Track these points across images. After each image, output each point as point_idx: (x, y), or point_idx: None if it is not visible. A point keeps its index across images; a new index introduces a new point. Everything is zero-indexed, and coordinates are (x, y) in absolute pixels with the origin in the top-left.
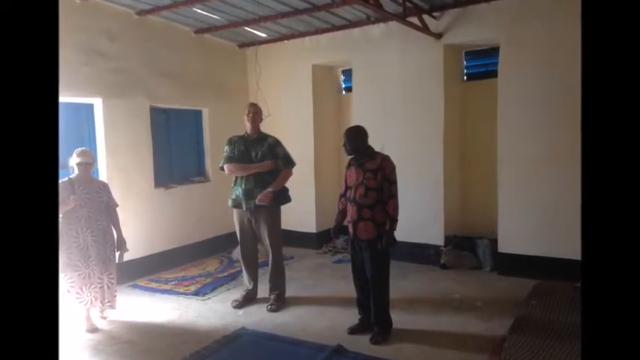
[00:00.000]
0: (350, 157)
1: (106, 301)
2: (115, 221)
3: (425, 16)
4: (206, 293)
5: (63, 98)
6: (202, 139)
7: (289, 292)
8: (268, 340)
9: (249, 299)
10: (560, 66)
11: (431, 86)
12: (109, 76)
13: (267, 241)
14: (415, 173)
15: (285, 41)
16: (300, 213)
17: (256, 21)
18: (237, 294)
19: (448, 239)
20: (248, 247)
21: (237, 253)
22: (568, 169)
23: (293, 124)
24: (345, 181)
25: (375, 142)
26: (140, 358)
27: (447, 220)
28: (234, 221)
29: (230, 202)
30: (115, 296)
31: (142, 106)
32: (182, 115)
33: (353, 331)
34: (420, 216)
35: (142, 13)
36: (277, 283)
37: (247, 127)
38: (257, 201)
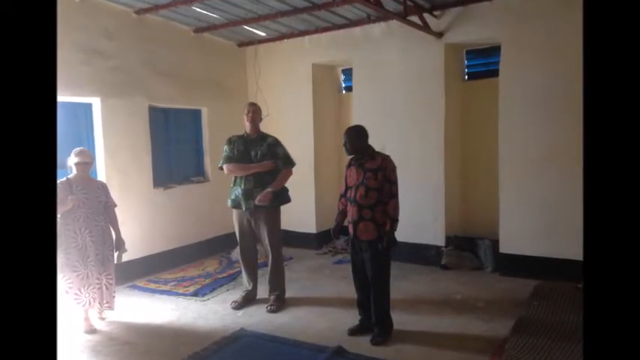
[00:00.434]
0: (350, 156)
1: (105, 301)
2: (113, 221)
3: (426, 15)
4: (205, 294)
5: (61, 98)
6: (201, 139)
7: (289, 292)
8: (268, 341)
9: (248, 300)
10: (561, 65)
11: (432, 86)
12: (108, 76)
13: (266, 242)
14: (416, 173)
15: (285, 40)
16: (300, 213)
17: (256, 20)
18: (237, 295)
19: (449, 240)
20: (247, 247)
21: (236, 253)
22: (570, 169)
23: (293, 124)
24: (345, 181)
25: (375, 141)
26: None
27: (447, 220)
28: (234, 221)
29: (229, 203)
30: (114, 297)
31: (140, 105)
32: (181, 115)
33: (353, 332)
34: (420, 216)
35: (140, 12)
36: (277, 283)
37: (247, 126)
38: (256, 201)
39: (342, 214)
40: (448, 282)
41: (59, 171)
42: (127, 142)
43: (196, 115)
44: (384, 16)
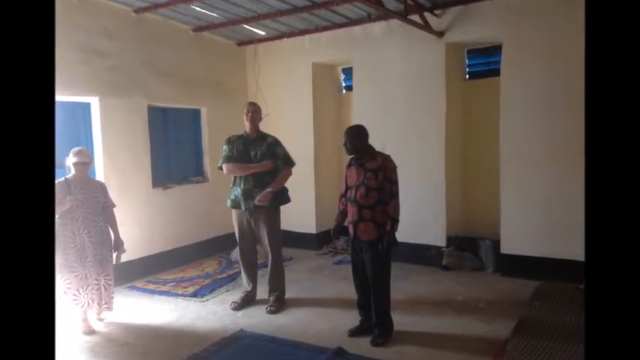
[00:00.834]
0: (350, 156)
1: (103, 302)
2: (112, 222)
3: (426, 14)
4: (205, 295)
5: (59, 97)
6: (201, 139)
7: (289, 293)
8: (268, 342)
9: (248, 301)
10: (563, 64)
11: (432, 85)
12: (107, 75)
13: (266, 242)
14: (416, 173)
15: (285, 39)
16: (300, 213)
17: (255, 19)
18: (236, 295)
19: (450, 240)
20: (247, 248)
21: (236, 254)
22: (571, 168)
23: (293, 124)
24: (346, 181)
25: (375, 141)
26: None
27: (448, 220)
28: (233, 222)
29: (229, 203)
30: (113, 298)
31: (139, 105)
32: (180, 114)
33: (353, 333)
34: (421, 216)
35: (139, 11)
36: (277, 284)
37: (246, 126)
38: (256, 201)
39: (343, 214)
40: (449, 283)
41: (57, 171)
42: (125, 142)
43: (196, 114)
44: (385, 15)
